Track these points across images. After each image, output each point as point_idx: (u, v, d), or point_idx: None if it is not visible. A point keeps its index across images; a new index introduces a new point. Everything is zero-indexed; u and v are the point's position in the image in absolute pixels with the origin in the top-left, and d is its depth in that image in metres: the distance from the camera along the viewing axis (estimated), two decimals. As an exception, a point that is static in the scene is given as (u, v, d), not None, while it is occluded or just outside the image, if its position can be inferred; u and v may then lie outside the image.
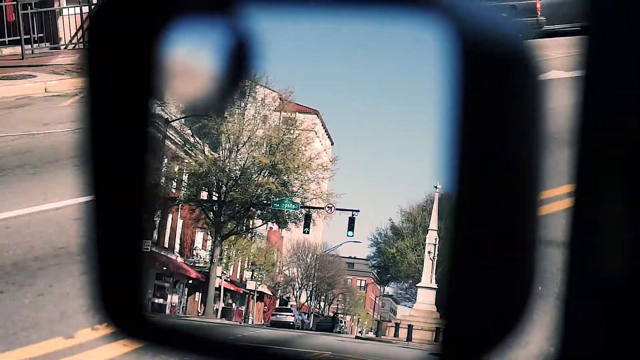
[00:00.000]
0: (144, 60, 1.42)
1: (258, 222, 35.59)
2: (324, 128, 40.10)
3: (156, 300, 32.76)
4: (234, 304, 39.29)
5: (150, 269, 31.01)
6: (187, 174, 33.08)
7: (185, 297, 35.49)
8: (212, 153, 33.16)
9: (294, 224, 34.43)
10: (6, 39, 24.89)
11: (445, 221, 1.18)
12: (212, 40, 1.44)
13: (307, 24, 1.45)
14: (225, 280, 35.76)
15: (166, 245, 32.92)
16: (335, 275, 48.58)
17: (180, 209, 34.00)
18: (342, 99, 55.58)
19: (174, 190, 33.34)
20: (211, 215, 33.25)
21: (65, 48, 25.39)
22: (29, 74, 21.54)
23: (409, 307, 37.34)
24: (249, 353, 1.60)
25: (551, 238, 1.23)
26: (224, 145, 33.17)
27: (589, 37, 1.19)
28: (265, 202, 33.32)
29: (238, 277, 38.93)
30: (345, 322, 46.99)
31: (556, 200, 1.90)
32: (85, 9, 24.77)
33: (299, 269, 44.75)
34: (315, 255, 44.87)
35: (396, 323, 32.32)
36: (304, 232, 35.79)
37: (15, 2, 24.74)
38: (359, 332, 49.47)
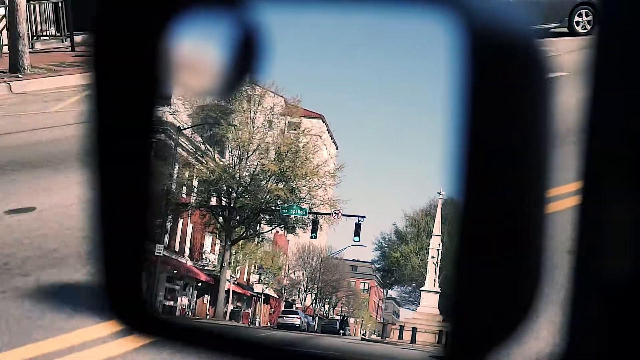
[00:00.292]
0: (149, 55, 1.41)
1: (266, 227, 36.20)
2: (329, 133, 40.61)
3: (167, 303, 33.26)
4: (241, 307, 39.99)
5: (162, 272, 31.86)
6: (198, 180, 33.71)
7: (195, 299, 35.94)
8: (222, 160, 33.91)
9: (301, 229, 35.16)
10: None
11: (449, 226, 1.49)
12: (218, 33, 1.42)
13: (312, 19, 1.42)
14: (233, 283, 36.32)
15: (177, 249, 33.54)
16: (340, 279, 48.73)
17: (191, 214, 34.55)
18: (345, 99, 53.81)
19: (184, 196, 34.01)
20: (221, 220, 33.99)
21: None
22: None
23: (413, 310, 37.82)
24: (255, 350, 1.56)
25: (556, 237, 1.19)
26: (233, 152, 33.90)
27: (597, 36, 1.17)
28: (274, 207, 34.02)
29: (245, 280, 39.35)
30: (349, 325, 46.94)
31: (562, 198, 1.90)
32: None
33: (304, 272, 45.11)
34: (320, 259, 45.06)
35: (400, 325, 32.85)
36: (312, 237, 36.47)
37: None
38: (363, 334, 49.77)
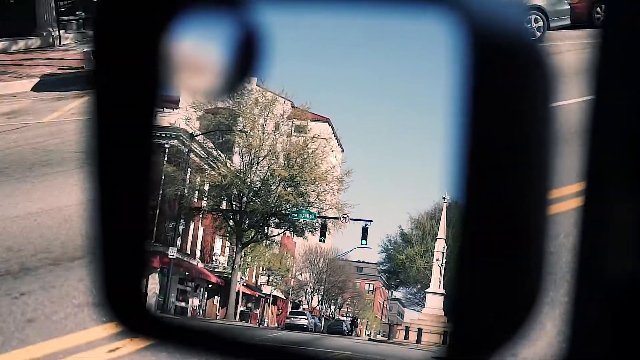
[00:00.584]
0: (150, 55, 1.40)
1: (276, 230, 36.88)
2: (335, 136, 41.08)
3: (179, 304, 33.79)
4: (251, 308, 40.52)
5: (175, 274, 32.53)
6: (210, 185, 34.41)
7: (205, 300, 36.65)
8: (233, 165, 34.66)
9: (310, 232, 35.82)
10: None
11: (454, 229, 1.17)
12: (219, 34, 1.42)
13: (313, 19, 1.41)
14: (242, 285, 36.86)
15: (188, 252, 34.25)
16: (346, 280, 49.33)
17: (203, 218, 35.29)
18: (347, 100, 54.14)
19: (195, 200, 34.66)
20: (232, 223, 34.74)
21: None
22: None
23: (418, 311, 38.30)
24: (260, 352, 1.56)
25: (558, 238, 1.19)
26: (244, 158, 34.64)
27: (600, 37, 1.17)
28: (284, 212, 34.75)
29: (253, 281, 39.98)
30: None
31: (564, 199, 1.91)
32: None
33: (311, 274, 45.62)
34: (326, 261, 45.46)
35: (406, 326, 33.41)
36: (320, 241, 37.22)
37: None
38: (368, 334, 49.99)
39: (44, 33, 31.47)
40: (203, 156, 34.01)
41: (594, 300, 1.17)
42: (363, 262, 51.85)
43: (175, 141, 32.93)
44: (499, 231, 1.13)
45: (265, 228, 36.10)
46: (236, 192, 34.31)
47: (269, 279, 41.02)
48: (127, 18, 1.41)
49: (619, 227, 1.15)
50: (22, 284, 9.91)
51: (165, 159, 32.81)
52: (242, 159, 34.77)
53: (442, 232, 34.37)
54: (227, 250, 37.49)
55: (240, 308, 36.61)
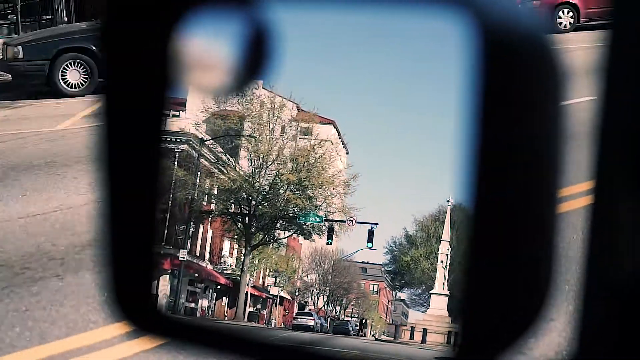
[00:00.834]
0: (158, 54, 1.39)
1: (284, 233, 37.50)
2: (340, 138, 41.34)
3: (188, 305, 34.28)
4: (260, 309, 40.94)
5: (186, 276, 33.08)
6: (219, 189, 35.05)
7: (214, 301, 37.15)
8: (242, 170, 35.31)
9: (317, 235, 36.60)
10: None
11: (458, 230, 1.84)
12: (228, 32, 1.40)
13: (323, 18, 1.41)
14: (250, 286, 37.37)
15: (197, 254, 34.87)
16: (351, 281, 49.53)
17: (212, 221, 35.90)
18: (352, 100, 53.02)
19: (205, 204, 35.24)
20: (241, 226, 35.47)
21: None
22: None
23: (422, 311, 38.89)
24: (270, 351, 1.54)
25: (566, 237, 1.18)
26: (253, 162, 35.31)
27: (610, 35, 1.15)
28: (292, 215, 35.45)
29: (260, 282, 40.41)
30: (358, 326, 47.76)
31: (573, 198, 1.91)
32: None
33: (316, 275, 45.98)
34: (332, 262, 45.80)
35: (412, 327, 33.93)
36: (328, 244, 37.89)
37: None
38: (373, 334, 50.08)
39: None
40: (213, 161, 34.64)
41: (602, 299, 1.16)
42: (367, 262, 51.80)
43: (185, 146, 33.54)
44: (505, 230, 1.11)
45: (274, 231, 36.66)
46: (245, 196, 34.95)
47: (276, 280, 41.54)
48: (136, 17, 1.39)
49: (628, 226, 1.13)
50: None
51: (176, 163, 33.48)
52: (251, 163, 35.42)
53: (446, 235, 34.88)
54: (235, 252, 38.01)
55: (249, 309, 37.15)
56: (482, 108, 1.12)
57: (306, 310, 42.37)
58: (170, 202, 32.97)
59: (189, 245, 33.19)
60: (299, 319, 38.37)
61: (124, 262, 1.49)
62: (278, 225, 36.12)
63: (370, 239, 35.28)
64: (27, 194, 13.35)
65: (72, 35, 22.87)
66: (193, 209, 34.17)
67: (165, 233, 33.15)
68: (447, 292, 32.72)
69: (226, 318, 36.74)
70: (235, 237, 36.93)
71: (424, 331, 30.66)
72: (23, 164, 15.20)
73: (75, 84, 22.67)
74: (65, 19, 23.53)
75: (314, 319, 38.30)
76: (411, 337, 32.31)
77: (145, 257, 1.51)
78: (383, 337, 41.22)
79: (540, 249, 1.13)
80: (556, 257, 1.12)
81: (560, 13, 27.80)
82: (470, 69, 1.12)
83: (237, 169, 35.09)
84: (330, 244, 37.78)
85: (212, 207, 35.66)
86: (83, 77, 22.63)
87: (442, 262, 34.54)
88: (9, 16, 32.63)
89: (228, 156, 35.27)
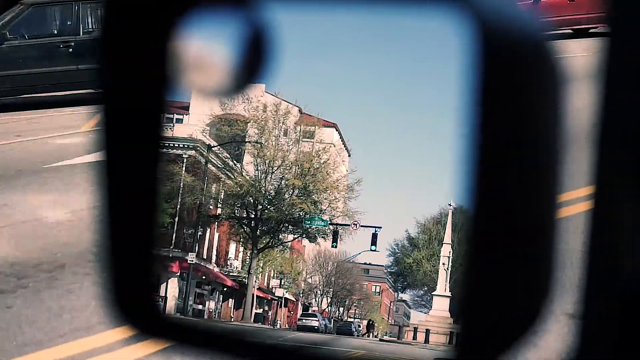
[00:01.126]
0: (157, 55, 1.38)
1: (290, 236, 38.29)
2: (342, 141, 41.92)
3: (196, 307, 35.00)
4: (267, 311, 41.80)
5: (194, 279, 33.71)
6: (226, 194, 35.88)
7: (220, 303, 37.94)
8: (249, 175, 36.13)
9: (322, 238, 37.37)
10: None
11: (459, 233, 1.97)
12: (227, 32, 1.40)
13: (322, 18, 1.41)
14: (255, 288, 38.04)
15: (205, 257, 35.67)
16: (354, 283, 50.18)
17: (219, 225, 36.69)
18: (353, 101, 53.61)
19: (212, 208, 36.00)
20: (248, 230, 36.29)
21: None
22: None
23: (425, 312, 39.55)
24: (268, 352, 1.53)
25: (567, 239, 1.16)
26: (259, 167, 36.17)
27: (609, 39, 1.16)
28: (298, 219, 36.20)
29: (265, 284, 41.19)
30: (362, 327, 47.84)
31: (575, 202, 1.93)
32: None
33: (320, 277, 46.59)
34: (335, 264, 46.41)
35: (414, 327, 34.51)
36: (332, 247, 38.77)
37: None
38: (375, 335, 50.31)
39: None
40: (220, 166, 35.44)
41: (601, 299, 1.16)
42: (370, 264, 52.46)
43: (193, 152, 34.37)
44: (505, 230, 1.12)
45: (280, 234, 37.41)
46: (252, 200, 35.74)
47: (281, 282, 42.30)
48: (135, 18, 1.40)
49: (628, 227, 1.13)
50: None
51: (184, 168, 34.27)
52: (257, 168, 36.25)
53: (447, 238, 35.61)
54: (240, 254, 38.84)
55: (255, 310, 37.82)
56: (482, 108, 1.12)
57: (310, 312, 43.06)
58: (178, 206, 33.82)
59: (196, 248, 33.89)
60: (303, 320, 38.82)
61: (124, 266, 1.48)
62: (284, 228, 36.91)
63: (374, 242, 36.20)
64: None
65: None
66: (201, 214, 34.79)
67: (174, 236, 34.04)
68: (449, 294, 33.42)
69: (232, 319, 37.47)
70: (242, 240, 37.74)
71: (427, 332, 31.31)
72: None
73: None
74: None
75: (318, 320, 38.72)
76: (414, 337, 33.02)
77: (145, 260, 1.50)
78: (386, 338, 41.49)
79: (540, 250, 1.12)
80: (556, 258, 1.12)
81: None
82: (471, 70, 1.12)
83: (244, 173, 35.93)
84: (335, 247, 38.63)
85: (219, 211, 36.38)
86: None
87: (443, 264, 35.21)
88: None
89: (234, 162, 36.12)
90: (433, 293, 35.73)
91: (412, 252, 45.82)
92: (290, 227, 37.10)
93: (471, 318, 1.17)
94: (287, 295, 43.46)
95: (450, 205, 35.47)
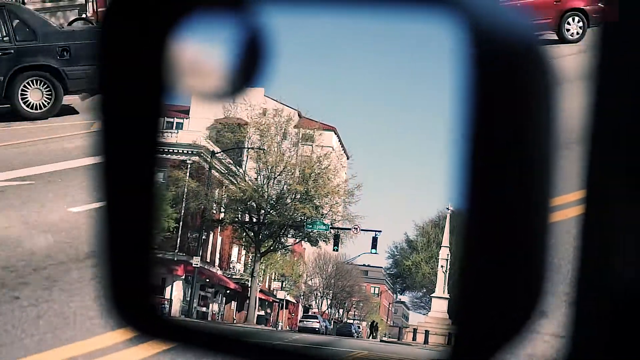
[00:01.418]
0: (154, 58, 1.38)
1: (292, 240, 39.00)
2: (340, 144, 42.27)
3: (200, 309, 35.57)
4: (270, 313, 42.28)
5: (199, 282, 34.29)
6: (229, 199, 36.50)
7: (223, 305, 38.50)
8: (252, 180, 36.79)
9: (324, 242, 38.21)
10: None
11: (457, 235, 1.13)
12: (223, 36, 1.40)
13: (318, 21, 1.40)
14: (258, 290, 38.54)
15: (208, 260, 36.37)
16: (354, 285, 50.69)
17: (223, 229, 37.36)
18: (349, 103, 53.02)
19: (215, 212, 36.74)
20: (251, 234, 37.06)
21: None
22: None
23: (423, 314, 39.96)
24: (268, 353, 1.52)
25: (560, 240, 1.17)
26: (262, 173, 36.88)
27: (600, 42, 1.17)
28: (300, 223, 36.95)
29: (267, 286, 41.63)
30: (361, 328, 48.84)
31: (568, 206, 1.93)
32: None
33: (320, 279, 47.02)
34: (334, 266, 46.82)
35: (414, 328, 35.24)
36: (334, 250, 39.49)
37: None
38: (374, 336, 50.66)
39: None
40: (223, 172, 36.08)
41: (594, 300, 1.17)
42: (368, 265, 52.29)
43: (197, 157, 35.06)
44: (501, 233, 1.12)
45: (282, 238, 38.11)
46: (254, 205, 36.43)
47: (282, 284, 42.81)
48: (131, 21, 1.39)
49: (620, 230, 1.14)
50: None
51: (188, 174, 34.96)
52: (260, 174, 36.91)
53: (445, 241, 36.20)
54: (242, 257, 39.39)
55: (257, 312, 38.35)
56: (475, 111, 1.12)
57: (311, 313, 43.50)
58: (183, 211, 34.48)
59: (201, 252, 34.69)
60: (304, 322, 39.35)
61: (123, 267, 1.47)
62: (286, 232, 37.57)
63: (374, 245, 37.03)
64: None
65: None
66: (205, 218, 35.42)
67: (179, 241, 34.72)
68: (448, 296, 33.96)
69: (235, 321, 38.05)
70: (244, 243, 38.32)
71: (426, 333, 31.98)
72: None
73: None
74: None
75: (319, 322, 39.26)
76: (414, 338, 33.70)
77: (145, 262, 1.49)
78: (385, 339, 41.77)
79: (533, 251, 1.12)
80: (549, 259, 1.11)
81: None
82: (465, 74, 1.12)
83: (247, 179, 36.58)
84: (337, 250, 39.31)
85: (222, 215, 37.04)
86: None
87: (442, 266, 35.77)
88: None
89: (237, 167, 36.75)
90: (432, 295, 36.27)
91: (411, 254, 46.25)
92: (292, 231, 37.78)
93: (466, 319, 1.16)
94: (288, 298, 43.87)
95: (448, 209, 36.03)
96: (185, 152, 35.05)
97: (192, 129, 37.70)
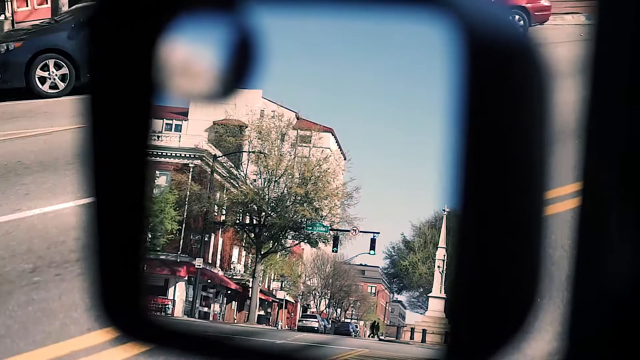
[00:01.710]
0: (144, 59, 1.37)
1: (292, 241, 39.67)
2: (338, 146, 42.52)
3: (202, 309, 36.10)
4: (270, 312, 42.82)
5: (201, 282, 34.80)
6: (231, 202, 37.14)
7: (224, 305, 38.97)
8: (253, 183, 37.43)
9: (323, 243, 38.95)
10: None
11: (453, 236, 1.11)
12: (214, 36, 1.39)
13: (310, 22, 1.39)
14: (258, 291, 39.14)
15: (210, 261, 36.93)
16: (351, 284, 50.83)
17: (224, 231, 37.95)
18: (343, 104, 52.34)
19: (216, 215, 37.29)
20: (252, 236, 37.72)
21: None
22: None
23: (421, 313, 40.53)
24: (253, 356, 1.51)
25: (556, 238, 1.19)
26: (263, 176, 37.55)
27: (595, 37, 1.15)
28: (300, 225, 37.66)
29: (266, 287, 42.06)
30: (359, 327, 49.32)
31: (562, 199, 1.90)
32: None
33: (318, 279, 47.33)
34: (332, 267, 47.09)
35: (412, 328, 35.93)
36: (333, 251, 40.25)
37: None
38: (372, 335, 51.15)
39: None
40: (225, 175, 36.72)
41: (592, 299, 1.15)
42: (365, 265, 52.32)
43: (199, 161, 35.68)
44: (496, 231, 1.11)
45: (283, 240, 38.76)
46: (255, 208, 37.05)
47: (282, 284, 43.34)
48: (121, 21, 1.38)
49: (616, 226, 1.12)
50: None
51: (190, 177, 35.54)
52: (261, 177, 37.54)
53: (442, 242, 36.68)
54: (243, 258, 39.89)
55: (257, 312, 38.84)
56: (469, 110, 1.11)
57: (310, 313, 44.00)
58: (186, 214, 35.04)
59: (203, 253, 35.30)
60: (304, 321, 39.84)
61: (110, 266, 1.44)
62: (286, 234, 38.20)
63: (372, 247, 37.79)
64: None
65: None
66: (207, 221, 35.95)
67: (181, 242, 35.30)
68: (444, 295, 34.45)
69: (235, 321, 38.53)
70: (245, 245, 38.92)
71: (424, 332, 32.61)
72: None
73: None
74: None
75: (318, 321, 39.77)
76: (411, 337, 34.31)
77: (132, 261, 1.46)
78: (383, 337, 42.66)
79: (529, 251, 1.11)
80: (545, 258, 1.10)
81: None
82: (457, 72, 1.11)
83: (248, 182, 37.16)
84: (336, 251, 40.04)
85: (223, 217, 37.57)
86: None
87: (439, 267, 36.39)
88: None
89: (238, 170, 37.37)
90: (429, 295, 36.77)
91: (408, 254, 46.71)
92: (292, 232, 38.43)
93: (462, 320, 1.15)
94: (287, 297, 44.28)
95: (444, 210, 36.54)
96: (187, 155, 35.66)
97: (191, 131, 38.17)
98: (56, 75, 21.40)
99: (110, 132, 1.40)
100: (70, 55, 20.79)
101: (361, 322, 53.23)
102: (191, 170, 35.53)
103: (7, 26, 30.51)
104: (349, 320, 49.72)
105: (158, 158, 34.58)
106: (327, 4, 1.35)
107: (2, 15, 30.28)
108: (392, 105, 52.94)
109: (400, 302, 64.00)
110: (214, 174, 35.70)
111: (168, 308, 34.12)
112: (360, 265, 51.30)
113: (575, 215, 1.14)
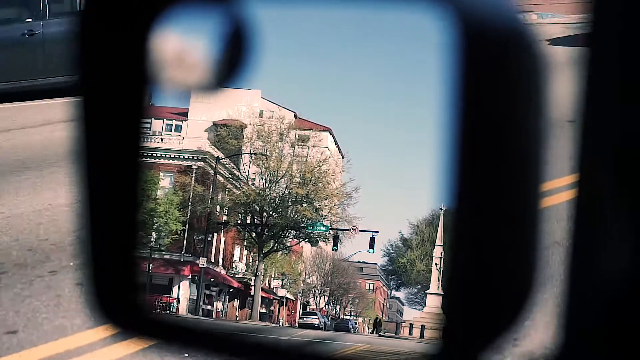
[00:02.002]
0: (137, 51, 1.37)
1: (294, 240, 40.34)
2: (336, 145, 43.72)
3: (205, 307, 36.82)
4: (272, 310, 43.77)
5: (204, 281, 35.43)
6: (233, 202, 37.71)
7: (227, 303, 39.99)
8: (255, 185, 38.07)
9: (323, 242, 39.63)
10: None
11: (449, 230, 1.10)
12: (207, 28, 1.39)
13: (303, 15, 1.43)
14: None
15: (212, 260, 37.75)
16: (350, 282, 52.10)
17: (227, 231, 38.58)
18: (340, 100, 53.68)
19: (219, 215, 37.89)
20: (254, 235, 38.35)
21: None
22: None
23: (418, 309, 41.55)
24: (252, 351, 1.51)
25: (552, 235, 1.15)
26: (264, 178, 38.22)
27: (592, 32, 1.15)
28: (301, 224, 38.25)
29: (267, 285, 43.04)
30: (358, 324, 50.00)
31: (557, 192, 1.90)
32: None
33: (318, 277, 48.44)
34: (331, 264, 48.29)
35: (410, 324, 36.68)
36: (333, 250, 41.00)
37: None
38: (370, 331, 51.30)
39: None
40: (227, 176, 37.30)
41: (587, 295, 1.15)
42: (363, 262, 53.84)
43: (202, 163, 36.28)
44: (491, 224, 1.10)
45: (284, 239, 39.32)
46: (257, 208, 37.61)
47: (283, 282, 44.10)
48: (113, 13, 1.37)
49: (611, 220, 1.12)
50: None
51: (194, 179, 36.28)
52: (262, 178, 38.15)
53: (439, 239, 37.38)
54: (244, 257, 40.70)
55: (259, 310, 39.37)
56: (464, 99, 1.10)
57: (310, 310, 44.95)
58: (189, 214, 35.61)
59: (205, 253, 35.99)
60: (304, 318, 40.39)
61: (106, 262, 1.44)
62: (287, 233, 38.76)
63: (371, 245, 38.41)
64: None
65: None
66: (210, 221, 36.55)
67: (185, 242, 35.97)
68: (442, 292, 34.79)
69: (238, 318, 39.23)
70: (247, 244, 39.50)
71: (422, 327, 33.29)
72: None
73: None
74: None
75: (318, 318, 40.27)
76: (410, 332, 35.09)
77: (128, 258, 1.46)
78: (382, 333, 43.14)
79: (524, 244, 1.11)
80: (540, 254, 1.10)
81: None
82: (453, 65, 1.11)
83: (250, 183, 37.75)
84: (336, 250, 40.68)
85: (225, 218, 38.16)
86: None
87: (436, 264, 36.88)
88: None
89: (240, 172, 37.94)
90: (426, 291, 37.51)
91: (406, 252, 47.40)
92: (293, 232, 39.00)
93: (455, 313, 1.15)
94: (287, 295, 45.34)
95: (441, 208, 37.17)
96: (190, 157, 36.38)
97: (191, 131, 38.99)
98: None
99: (103, 128, 1.42)
100: None
101: (360, 319, 54.52)
102: (194, 171, 36.31)
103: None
104: (348, 317, 50.72)
105: (161, 160, 35.46)
106: None
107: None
108: (390, 104, 55.24)
109: (398, 298, 65.10)
110: (217, 176, 36.29)
111: (173, 306, 34.90)
112: (359, 262, 52.85)
113: (570, 209, 1.16)
